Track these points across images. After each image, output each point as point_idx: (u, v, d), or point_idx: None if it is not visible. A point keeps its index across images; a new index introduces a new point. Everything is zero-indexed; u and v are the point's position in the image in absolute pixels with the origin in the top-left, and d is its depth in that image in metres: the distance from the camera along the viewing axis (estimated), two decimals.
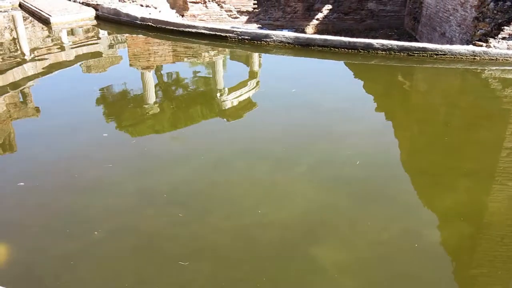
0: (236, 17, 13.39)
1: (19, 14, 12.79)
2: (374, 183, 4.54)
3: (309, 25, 14.12)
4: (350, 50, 8.68)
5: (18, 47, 10.38)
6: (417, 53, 8.35)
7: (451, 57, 8.19)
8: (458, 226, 3.92)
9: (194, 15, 13.13)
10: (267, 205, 4.18)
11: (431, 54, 8.25)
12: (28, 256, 3.51)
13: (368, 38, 10.04)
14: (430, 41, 11.39)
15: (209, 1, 13.13)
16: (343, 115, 6.17)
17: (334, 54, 8.74)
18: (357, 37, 10.03)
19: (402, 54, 8.43)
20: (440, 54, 8.20)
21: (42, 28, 11.50)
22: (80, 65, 8.94)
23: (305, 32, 13.33)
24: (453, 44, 9.53)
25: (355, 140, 5.37)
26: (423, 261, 3.51)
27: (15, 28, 12.02)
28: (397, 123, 6.09)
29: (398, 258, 3.55)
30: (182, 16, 13.01)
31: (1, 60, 9.09)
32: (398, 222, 3.99)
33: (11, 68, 8.47)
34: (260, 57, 9.37)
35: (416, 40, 12.37)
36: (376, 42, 8.59)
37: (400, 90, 7.59)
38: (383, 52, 8.52)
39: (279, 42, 9.17)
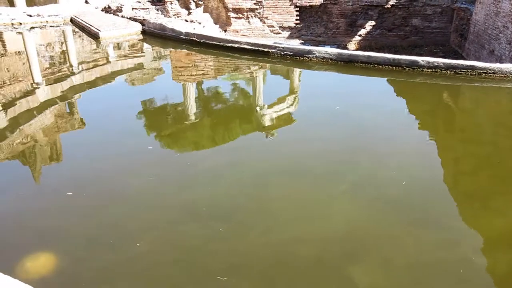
0: (278, 33, 13.46)
1: (69, 29, 13.35)
2: (419, 205, 4.39)
3: (351, 41, 14.02)
4: (394, 67, 8.53)
5: (67, 60, 10.81)
6: (464, 71, 8.10)
7: (501, 76, 7.91)
8: (507, 254, 3.73)
9: (236, 30, 13.30)
10: (306, 222, 4.13)
11: (480, 72, 7.99)
12: (72, 266, 3.58)
13: (412, 55, 9.85)
14: (478, 59, 11.06)
15: (251, 17, 13.27)
16: (386, 134, 6.04)
17: (377, 71, 8.61)
18: (400, 53, 9.87)
19: (448, 72, 8.21)
20: (490, 73, 7.93)
21: (90, 42, 11.94)
22: (124, 78, 9.21)
23: (347, 48, 13.24)
24: (502, 62, 9.21)
25: (399, 160, 5.23)
26: None
27: (65, 42, 12.54)
28: (443, 143, 5.90)
29: (440, 283, 3.40)
30: (225, 31, 13.20)
31: (51, 72, 9.48)
32: (442, 246, 3.83)
33: (60, 80, 8.82)
34: (300, 72, 9.36)
35: (462, 58, 12.05)
36: (421, 59, 8.41)
37: (447, 109, 7.37)
38: (429, 70, 8.32)
39: (321, 58, 9.13)
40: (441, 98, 7.73)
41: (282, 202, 4.47)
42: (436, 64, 8.29)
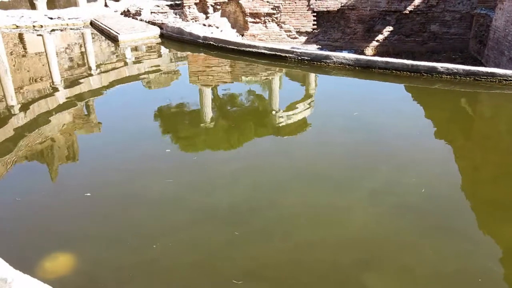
0: (295, 38, 13.46)
1: (88, 32, 13.53)
2: (438, 213, 4.34)
3: (368, 46, 13.95)
4: (412, 73, 8.46)
5: (86, 62, 10.95)
6: (484, 78, 8.00)
7: None
8: None
9: (253, 35, 13.34)
10: (323, 228, 4.12)
11: (500, 79, 7.88)
12: (90, 266, 3.62)
13: (430, 61, 9.76)
14: (497, 65, 10.91)
15: (269, 21, 13.30)
16: (405, 141, 5.98)
17: (395, 77, 8.55)
18: (418, 59, 9.79)
19: (468, 78, 8.11)
20: (510, 80, 7.81)
21: (109, 45, 12.09)
22: (141, 80, 9.29)
23: (364, 54, 13.18)
24: None
25: (419, 167, 5.17)
26: None
27: (84, 44, 12.71)
28: (463, 151, 5.83)
29: None
30: (242, 35, 13.25)
31: (70, 73, 9.61)
32: (461, 255, 3.78)
33: (78, 82, 8.95)
34: (316, 77, 9.34)
35: (481, 64, 11.90)
36: (440, 65, 8.33)
37: (466, 116, 7.28)
38: (448, 76, 8.24)
39: (339, 64, 9.10)
40: (460, 105, 7.64)
41: (299, 207, 4.45)
42: (456, 70, 8.20)
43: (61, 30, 13.69)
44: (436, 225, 4.15)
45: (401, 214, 4.32)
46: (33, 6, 16.42)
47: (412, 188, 4.70)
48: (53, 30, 13.58)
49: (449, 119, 6.97)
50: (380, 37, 13.82)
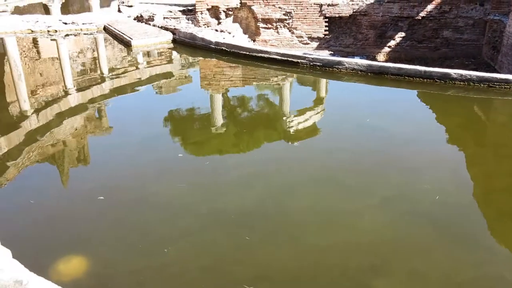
0: (307, 43, 13.47)
1: (101, 36, 13.66)
2: (451, 221, 4.30)
3: (380, 52, 13.91)
4: (425, 80, 8.42)
5: (98, 67, 11.06)
6: (498, 85, 7.93)
7: None
8: None
9: (265, 40, 13.37)
10: (334, 233, 4.11)
11: None
12: (103, 269, 3.64)
13: (443, 67, 9.70)
14: (511, 72, 10.80)
15: (280, 27, 13.33)
16: (418, 147, 5.93)
17: (408, 83, 8.50)
18: (430, 65, 9.73)
19: (482, 85, 8.04)
20: None
21: (121, 50, 12.19)
22: (153, 85, 9.35)
23: (376, 59, 13.13)
24: None
25: (432, 174, 5.12)
26: None
27: (97, 49, 12.84)
28: (476, 158, 5.77)
29: None
30: (254, 41, 13.29)
31: (82, 78, 9.71)
32: (475, 263, 3.75)
33: (90, 86, 9.03)
34: (327, 82, 9.33)
35: (495, 71, 11.79)
36: (454, 72, 8.27)
37: (480, 123, 7.21)
38: (461, 83, 8.18)
39: (351, 70, 9.08)
40: (474, 112, 7.58)
41: (310, 213, 4.45)
42: (469, 77, 8.14)
43: (75, 35, 13.85)
44: (450, 232, 4.11)
45: (414, 221, 4.28)
46: (47, 11, 16.66)
47: (425, 195, 4.66)
48: (67, 35, 13.73)
49: (463, 125, 6.92)
50: (392, 43, 13.78)
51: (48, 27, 13.82)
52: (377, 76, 8.84)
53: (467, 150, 5.97)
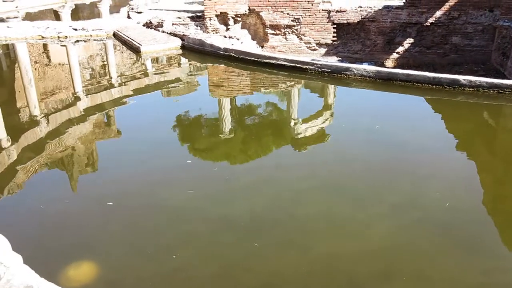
0: (315, 49, 13.48)
1: (111, 43, 13.77)
2: (463, 229, 4.27)
3: (388, 58, 13.87)
4: (434, 86, 8.38)
5: (107, 72, 11.15)
6: (508, 91, 7.88)
7: None
8: None
9: (273, 46, 13.40)
10: (344, 240, 4.10)
11: None
12: (112, 274, 3.65)
13: (452, 73, 9.66)
14: None
15: (288, 33, 13.35)
16: (428, 154, 5.90)
17: (417, 89, 8.47)
18: (439, 71, 9.69)
19: (491, 91, 8.00)
20: None
21: (130, 55, 12.28)
22: (161, 91, 9.40)
23: (384, 65, 13.10)
24: None
25: (441, 182, 5.10)
26: None
27: (106, 55, 12.95)
28: (487, 165, 5.73)
29: None
30: (262, 47, 13.32)
31: (91, 83, 9.79)
32: (486, 271, 3.72)
33: (99, 92, 9.10)
34: (335, 88, 9.32)
35: (504, 77, 11.71)
36: (463, 78, 8.23)
37: (490, 129, 7.17)
38: (471, 89, 8.13)
39: (359, 76, 9.07)
40: (484, 118, 7.53)
41: (319, 220, 4.44)
42: (478, 83, 8.10)
43: (85, 41, 13.97)
44: (460, 240, 4.09)
45: (424, 228, 4.26)
46: (58, 18, 16.83)
47: (435, 202, 4.64)
48: (77, 41, 13.86)
49: (473, 132, 6.88)
50: (400, 49, 13.74)
51: (59, 33, 13.96)
52: (385, 82, 8.81)
53: (477, 156, 5.93)
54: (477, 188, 5.03)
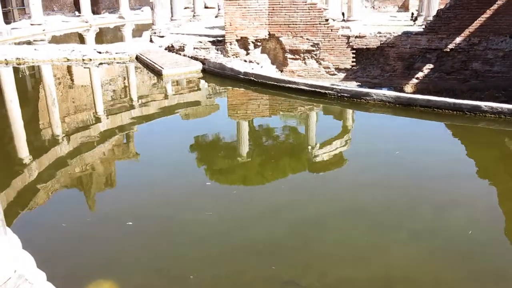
0: (334, 74, 13.54)
1: (133, 66, 14.09)
2: (485, 257, 4.18)
3: (407, 83, 13.84)
4: (455, 112, 8.32)
5: (128, 94, 11.37)
6: None
7: None
8: None
9: (292, 71, 13.51)
10: (362, 266, 4.06)
11: None
12: None
13: (472, 99, 9.57)
14: None
15: (308, 58, 13.46)
16: (449, 181, 5.82)
17: (436, 115, 8.41)
18: (459, 97, 9.62)
19: None
20: None
21: (151, 78, 12.53)
22: (181, 113, 9.53)
23: (403, 91, 13.07)
24: None
25: (464, 209, 5.02)
26: None
27: (128, 77, 13.23)
28: (510, 193, 5.62)
29: None
30: (281, 71, 13.44)
31: (113, 104, 9.99)
32: None
33: (120, 112, 9.28)
34: (353, 112, 9.32)
35: None
36: (484, 104, 8.16)
37: None
38: (492, 115, 8.05)
39: (379, 101, 9.07)
40: (505, 145, 7.42)
41: (337, 245, 4.41)
42: (500, 109, 8.02)
43: (108, 64, 14.31)
44: (482, 269, 4.00)
45: (444, 256, 4.19)
46: (82, 40, 17.30)
47: (456, 230, 4.57)
48: (101, 63, 14.20)
49: (494, 158, 6.78)
50: (420, 74, 13.71)
51: (83, 56, 14.34)
52: (405, 107, 8.78)
53: (499, 184, 5.83)
54: (500, 216, 4.93)
